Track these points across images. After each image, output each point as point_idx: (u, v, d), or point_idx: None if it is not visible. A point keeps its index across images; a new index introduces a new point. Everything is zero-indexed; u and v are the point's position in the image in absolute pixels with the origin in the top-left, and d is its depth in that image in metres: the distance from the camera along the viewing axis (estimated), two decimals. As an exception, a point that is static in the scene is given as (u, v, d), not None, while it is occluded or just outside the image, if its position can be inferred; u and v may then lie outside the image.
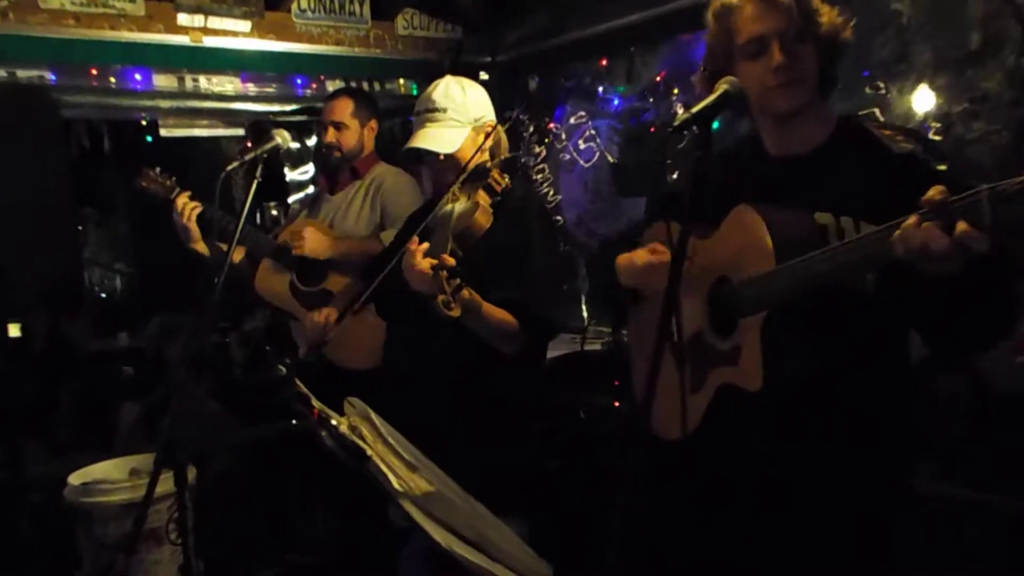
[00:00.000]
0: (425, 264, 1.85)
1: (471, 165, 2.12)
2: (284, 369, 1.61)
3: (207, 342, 4.15)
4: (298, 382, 1.59)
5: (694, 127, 1.38)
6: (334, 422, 1.52)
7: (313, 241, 2.95)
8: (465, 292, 1.89)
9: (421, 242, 1.93)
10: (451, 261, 1.85)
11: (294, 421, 3.91)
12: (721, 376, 1.56)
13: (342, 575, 3.42)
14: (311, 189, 6.25)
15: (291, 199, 6.70)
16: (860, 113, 2.99)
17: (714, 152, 1.58)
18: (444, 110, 2.15)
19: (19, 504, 3.07)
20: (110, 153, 7.19)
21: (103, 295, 7.73)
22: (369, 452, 1.43)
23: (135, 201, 7.30)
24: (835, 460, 1.51)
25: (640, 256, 1.71)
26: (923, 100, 3.00)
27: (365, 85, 4.71)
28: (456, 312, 1.83)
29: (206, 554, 2.89)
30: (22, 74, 3.71)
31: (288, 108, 5.00)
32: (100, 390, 5.28)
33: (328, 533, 3.73)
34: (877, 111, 3.11)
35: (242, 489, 3.74)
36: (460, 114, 2.15)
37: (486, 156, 2.18)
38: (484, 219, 2.02)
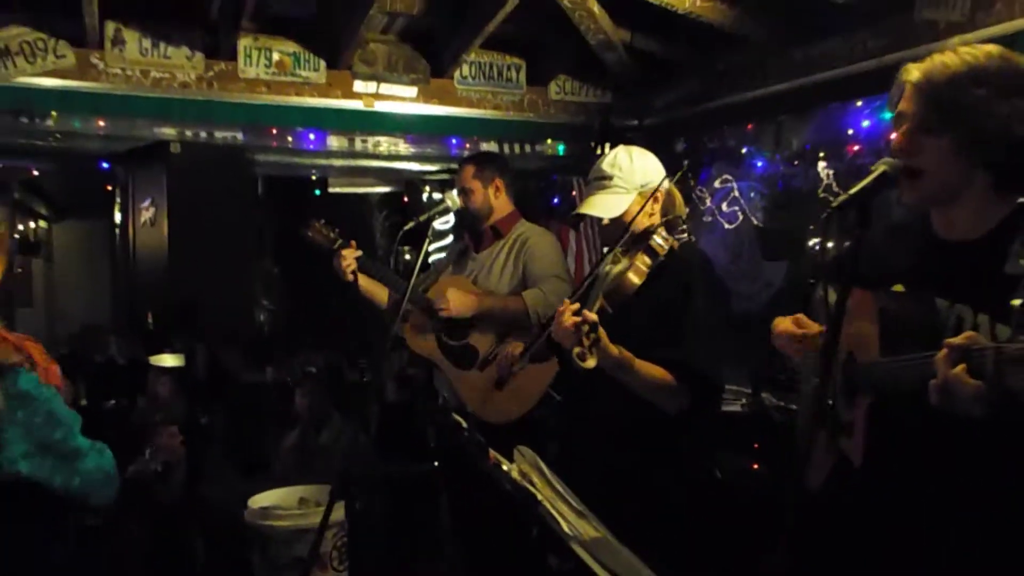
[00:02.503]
0: (570, 321, 1.95)
1: (634, 228, 2.22)
2: (462, 419, 1.77)
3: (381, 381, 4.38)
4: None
5: (853, 206, 1.42)
6: (506, 468, 1.66)
7: (456, 302, 3.09)
8: (613, 348, 1.98)
9: (579, 300, 2.07)
10: (593, 317, 1.93)
11: (435, 463, 4.11)
12: (841, 445, 1.62)
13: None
14: (450, 238, 6.55)
15: (432, 247, 7.04)
16: None
17: (883, 224, 1.63)
18: (611, 178, 2.25)
19: (195, 520, 3.36)
20: (263, 200, 7.81)
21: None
22: (540, 497, 1.56)
23: (283, 244, 7.87)
24: (943, 548, 1.49)
25: (787, 326, 1.76)
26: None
27: (516, 147, 4.97)
28: (591, 363, 1.91)
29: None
30: (218, 135, 4.18)
31: (439, 168, 5.33)
32: (251, 418, 5.68)
33: (454, 571, 3.86)
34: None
35: (383, 523, 3.94)
36: (626, 181, 2.24)
37: (646, 221, 2.24)
38: (636, 277, 2.11)
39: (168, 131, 4.00)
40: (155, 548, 3.54)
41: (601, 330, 1.97)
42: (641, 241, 2.19)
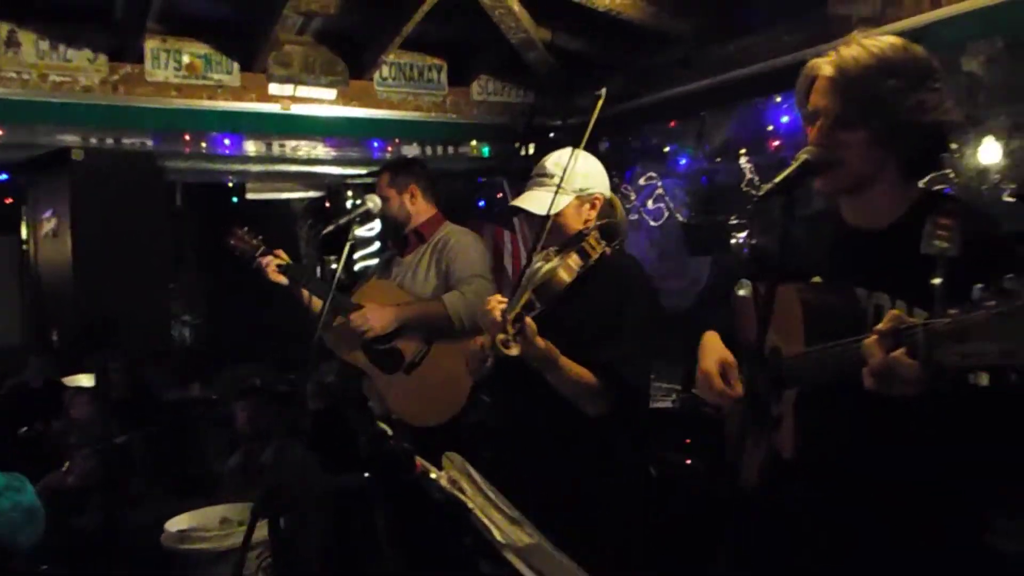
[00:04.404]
0: (496, 310, 1.98)
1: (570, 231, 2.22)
2: (387, 426, 1.69)
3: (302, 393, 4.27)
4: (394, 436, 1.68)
5: (776, 196, 1.43)
6: (434, 476, 1.59)
7: (376, 320, 3.06)
8: (540, 340, 1.98)
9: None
10: (518, 309, 1.95)
11: (366, 474, 4.01)
12: (771, 439, 1.61)
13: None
14: (376, 245, 6.45)
15: (356, 255, 6.92)
16: (933, 175, 3.01)
17: (798, 217, 1.63)
18: (551, 176, 2.26)
19: (114, 546, 3.19)
20: (183, 210, 7.55)
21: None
22: (470, 505, 1.50)
23: (205, 256, 7.63)
24: (876, 535, 1.51)
25: (711, 376, 1.74)
26: (997, 161, 3.02)
27: (439, 149, 4.91)
28: (513, 351, 1.92)
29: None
30: (126, 141, 3.99)
31: (363, 171, 5.22)
32: (180, 437, 5.47)
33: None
34: (951, 172, 3.12)
35: (317, 537, 3.82)
36: (566, 183, 2.23)
37: (580, 224, 2.27)
38: (565, 275, 2.11)
39: (71, 138, 3.80)
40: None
41: (529, 320, 1.98)
42: (574, 243, 2.18)
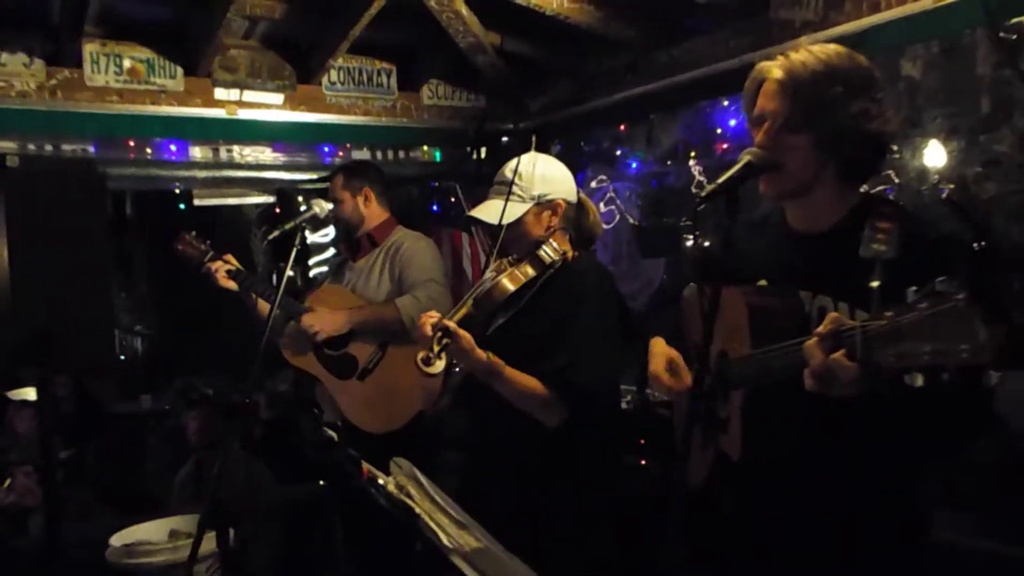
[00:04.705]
0: (427, 327, 1.95)
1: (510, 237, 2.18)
2: (334, 433, 1.68)
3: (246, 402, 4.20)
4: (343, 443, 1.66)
5: (720, 196, 1.44)
6: (382, 482, 1.57)
7: (326, 323, 3.04)
8: (481, 354, 1.97)
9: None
10: (448, 323, 1.94)
11: (321, 482, 3.96)
12: (719, 440, 1.63)
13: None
14: (331, 251, 6.40)
15: (310, 260, 6.86)
16: (875, 177, 3.07)
17: (741, 220, 1.65)
18: (510, 184, 2.20)
19: (57, 564, 3.09)
20: (132, 219, 7.39)
21: (122, 357, 7.82)
22: (417, 511, 1.48)
23: (155, 265, 7.49)
24: (822, 536, 1.53)
25: (660, 373, 1.75)
26: (936, 163, 3.09)
27: (390, 153, 4.88)
28: (435, 369, 1.91)
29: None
30: (66, 148, 3.89)
31: (314, 176, 5.17)
32: (129, 450, 5.35)
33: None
34: (892, 173, 3.19)
35: (270, 547, 3.76)
36: (523, 189, 2.20)
37: (541, 231, 2.20)
38: (510, 284, 2.09)
39: (8, 145, 3.69)
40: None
41: (464, 334, 1.96)
42: (531, 251, 2.15)
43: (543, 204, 2.20)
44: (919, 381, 1.08)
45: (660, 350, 1.77)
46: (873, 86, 1.55)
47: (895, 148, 3.17)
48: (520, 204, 2.18)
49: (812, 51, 1.56)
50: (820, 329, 1.26)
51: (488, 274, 2.17)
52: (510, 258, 2.20)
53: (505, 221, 2.15)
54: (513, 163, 2.24)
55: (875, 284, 1.26)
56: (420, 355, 1.91)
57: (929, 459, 1.55)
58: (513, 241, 2.18)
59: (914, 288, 1.10)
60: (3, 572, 3.17)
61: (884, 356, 1.12)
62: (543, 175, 2.22)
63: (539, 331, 2.11)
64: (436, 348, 1.91)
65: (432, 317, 1.98)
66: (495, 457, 2.21)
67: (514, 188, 2.18)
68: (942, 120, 3.08)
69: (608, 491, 2.21)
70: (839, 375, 1.22)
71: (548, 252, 2.15)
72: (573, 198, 2.26)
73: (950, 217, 2.98)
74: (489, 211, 2.20)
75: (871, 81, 1.55)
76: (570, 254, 2.20)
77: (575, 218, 2.27)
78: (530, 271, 2.13)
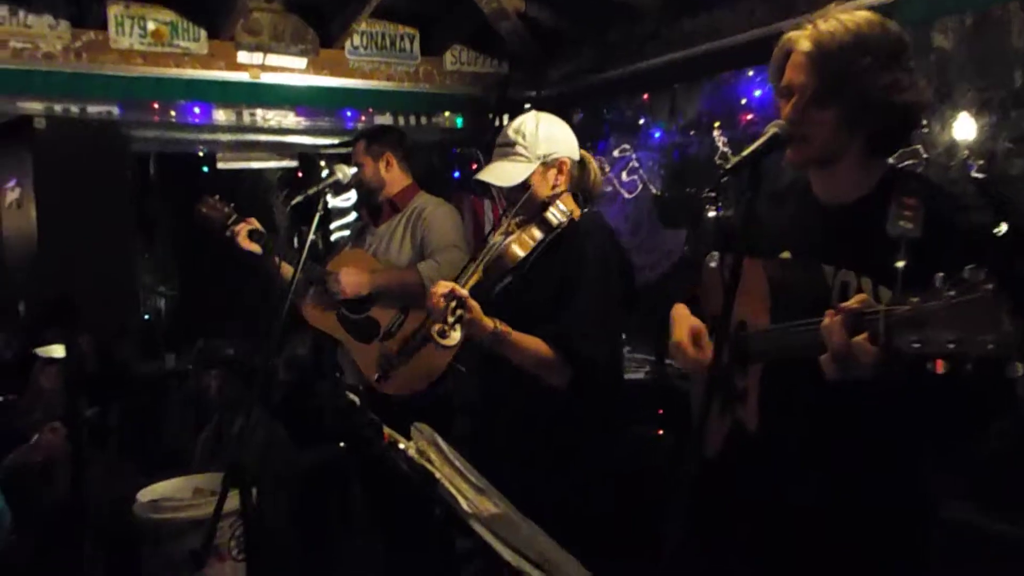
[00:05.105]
0: (438, 298, 1.93)
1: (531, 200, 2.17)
2: (356, 397, 1.69)
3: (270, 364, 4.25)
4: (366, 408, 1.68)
5: (745, 168, 1.42)
6: (402, 446, 1.59)
7: (350, 283, 3.05)
8: (488, 322, 1.96)
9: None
10: (461, 292, 1.92)
11: (341, 444, 4.01)
12: (736, 410, 1.63)
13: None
14: (352, 215, 6.41)
15: (332, 225, 6.87)
16: (904, 150, 3.03)
17: (765, 191, 1.64)
18: (513, 144, 2.19)
19: (82, 522, 3.17)
20: (155, 181, 7.42)
21: (146, 317, 7.91)
22: (437, 475, 1.50)
23: (178, 227, 7.54)
24: (836, 510, 1.54)
25: (684, 342, 1.75)
26: (966, 138, 3.04)
27: (411, 119, 4.87)
28: (450, 341, 1.90)
29: (258, 571, 2.97)
30: (92, 110, 3.91)
31: (336, 141, 5.17)
32: (152, 410, 5.43)
33: (368, 556, 3.80)
34: (920, 147, 3.15)
35: (288, 508, 3.83)
36: (528, 150, 2.18)
37: (548, 191, 2.20)
38: (520, 249, 2.08)
39: (34, 106, 3.71)
40: (39, 553, 3.33)
41: (474, 304, 1.95)
42: (537, 213, 2.14)
43: (548, 163, 2.19)
44: (941, 369, 1.07)
45: (683, 315, 1.76)
46: (904, 54, 1.51)
47: (924, 122, 3.13)
48: (526, 164, 2.17)
49: (841, 20, 1.51)
50: (844, 305, 1.24)
51: (496, 237, 2.15)
52: (516, 220, 2.17)
53: (510, 183, 2.15)
54: (516, 123, 2.22)
55: (900, 264, 1.24)
56: (435, 328, 1.89)
57: (944, 442, 1.55)
58: (523, 203, 2.17)
59: (941, 274, 1.08)
60: (30, 527, 3.25)
61: (907, 342, 1.11)
62: (547, 134, 2.20)
63: (544, 294, 2.10)
64: (451, 319, 1.89)
65: (444, 287, 1.94)
66: (500, 424, 2.22)
67: (518, 148, 2.17)
68: (973, 94, 3.03)
69: (608, 460, 2.21)
70: (859, 358, 1.21)
71: (555, 213, 2.13)
72: (576, 156, 2.25)
73: (976, 194, 2.94)
74: (496, 173, 2.19)
75: (902, 49, 1.51)
76: (576, 214, 2.18)
77: (578, 177, 2.26)
78: (537, 234, 2.11)
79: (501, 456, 2.16)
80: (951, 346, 1.05)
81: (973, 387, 1.14)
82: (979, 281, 1.03)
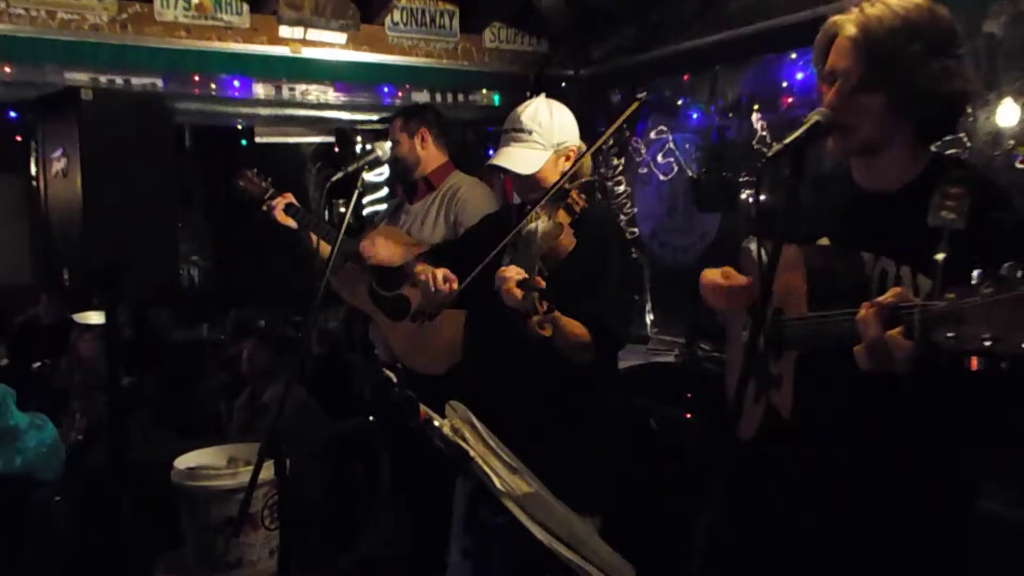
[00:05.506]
0: (518, 290, 1.94)
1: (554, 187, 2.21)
2: (392, 374, 1.73)
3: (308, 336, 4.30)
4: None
5: (786, 156, 1.40)
6: (437, 424, 1.63)
7: (384, 250, 3.08)
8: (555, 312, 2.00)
9: (505, 254, 2.08)
10: (542, 283, 1.94)
11: (371, 417, 4.08)
12: (770, 396, 1.64)
13: (411, 568, 3.54)
14: (385, 191, 6.45)
15: (364, 200, 6.92)
16: (947, 139, 2.98)
17: (808, 177, 1.63)
18: (530, 132, 2.25)
19: (121, 484, 3.27)
20: (191, 151, 7.52)
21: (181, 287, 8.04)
22: (472, 453, 1.54)
23: (213, 197, 7.64)
24: (869, 499, 1.55)
25: (715, 279, 1.75)
26: (1013, 127, 2.98)
27: (449, 96, 4.87)
28: (549, 332, 1.93)
29: (290, 540, 3.05)
30: (135, 82, 3.97)
31: (373, 117, 5.19)
32: (187, 377, 5.54)
33: (396, 527, 3.87)
34: (964, 136, 3.09)
35: (318, 479, 3.91)
36: (544, 138, 2.25)
37: (555, 178, 2.27)
38: (568, 241, 2.12)
39: (80, 77, 3.78)
40: (80, 514, 3.44)
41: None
42: (560, 199, 2.18)
43: (560, 151, 2.27)
44: (976, 365, 1.07)
45: (710, 270, 1.77)
46: (954, 42, 1.48)
47: (969, 110, 3.07)
48: (542, 152, 2.24)
49: (889, 4, 1.48)
50: (881, 299, 1.24)
51: (531, 225, 2.17)
52: (539, 207, 2.20)
53: (530, 171, 2.20)
54: (530, 109, 2.28)
55: (940, 257, 1.23)
56: (534, 319, 1.89)
57: (980, 434, 1.54)
58: (531, 189, 2.23)
59: (979, 271, 1.07)
60: (75, 487, 3.36)
61: (942, 338, 1.11)
62: (560, 123, 2.28)
63: (571, 278, 2.14)
64: (541, 310, 1.90)
65: (515, 275, 1.95)
66: (513, 395, 2.27)
67: (536, 136, 2.24)
68: (1021, 83, 2.96)
69: (621, 427, 2.38)
70: (894, 352, 1.21)
71: (576, 199, 2.18)
72: (580, 143, 2.33)
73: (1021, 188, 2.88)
74: (513, 160, 2.26)
75: (952, 37, 1.48)
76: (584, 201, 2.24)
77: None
78: (568, 219, 2.16)
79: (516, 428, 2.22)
80: (987, 343, 1.05)
81: (1009, 383, 1.14)
82: (1017, 279, 1.03)
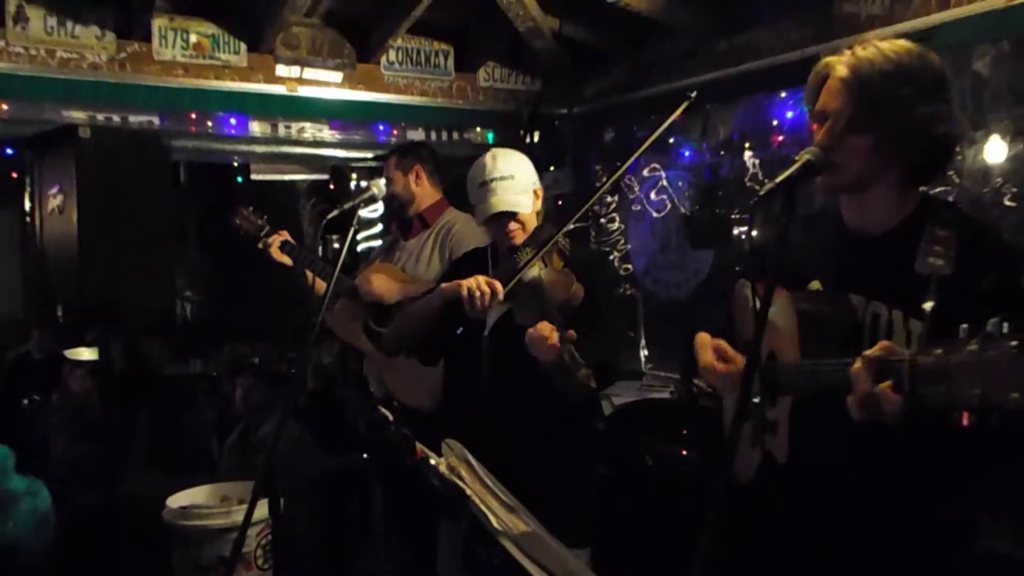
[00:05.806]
0: (561, 346, 1.96)
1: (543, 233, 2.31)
2: (388, 412, 1.73)
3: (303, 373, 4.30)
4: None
5: (777, 195, 1.40)
6: (434, 462, 1.62)
7: (380, 287, 3.10)
8: None
9: (507, 299, 2.12)
10: (574, 335, 1.96)
11: (364, 455, 4.04)
12: (766, 441, 1.63)
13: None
14: (379, 227, 6.47)
15: (358, 236, 6.94)
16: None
17: (799, 216, 1.64)
18: (512, 177, 2.33)
19: (115, 521, 3.23)
20: (185, 187, 7.55)
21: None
22: (468, 492, 1.53)
23: (206, 233, 7.65)
24: (866, 545, 1.53)
25: (711, 362, 1.75)
26: (1000, 165, 3.03)
27: (444, 134, 4.92)
28: (595, 383, 1.95)
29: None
30: (133, 119, 4.00)
31: (368, 155, 5.23)
32: (179, 413, 5.50)
33: (390, 562, 3.82)
34: (954, 173, 3.14)
35: (313, 514, 3.87)
36: (526, 181, 2.36)
37: (540, 221, 2.38)
38: (579, 289, 2.16)
39: (78, 115, 3.80)
40: (70, 552, 3.39)
41: None
42: (548, 244, 2.22)
43: (535, 192, 2.39)
44: (967, 420, 1.08)
45: (705, 341, 1.76)
46: (944, 86, 1.49)
47: (958, 148, 3.10)
48: (528, 195, 2.35)
49: (881, 48, 1.50)
50: (869, 353, 1.24)
51: (533, 272, 2.18)
52: (528, 250, 2.28)
53: (529, 210, 2.33)
54: (501, 160, 2.36)
55: (927, 306, 1.24)
56: (582, 372, 1.92)
57: (974, 481, 1.54)
58: (541, 235, 2.32)
59: (966, 326, 1.08)
60: (66, 527, 3.31)
61: (932, 392, 1.11)
62: (527, 164, 2.39)
63: (576, 320, 2.14)
64: (583, 362, 1.93)
65: (551, 332, 1.98)
66: (515, 430, 2.29)
67: (519, 179, 2.33)
68: (1009, 122, 3.01)
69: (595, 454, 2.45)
70: (884, 405, 1.21)
71: (564, 242, 2.28)
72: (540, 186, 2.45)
73: (1014, 219, 2.92)
74: (514, 202, 2.33)
75: (942, 81, 1.49)
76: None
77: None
78: (562, 263, 2.25)
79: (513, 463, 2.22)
80: (976, 400, 1.05)
81: (999, 434, 1.15)
82: (1002, 336, 1.03)
